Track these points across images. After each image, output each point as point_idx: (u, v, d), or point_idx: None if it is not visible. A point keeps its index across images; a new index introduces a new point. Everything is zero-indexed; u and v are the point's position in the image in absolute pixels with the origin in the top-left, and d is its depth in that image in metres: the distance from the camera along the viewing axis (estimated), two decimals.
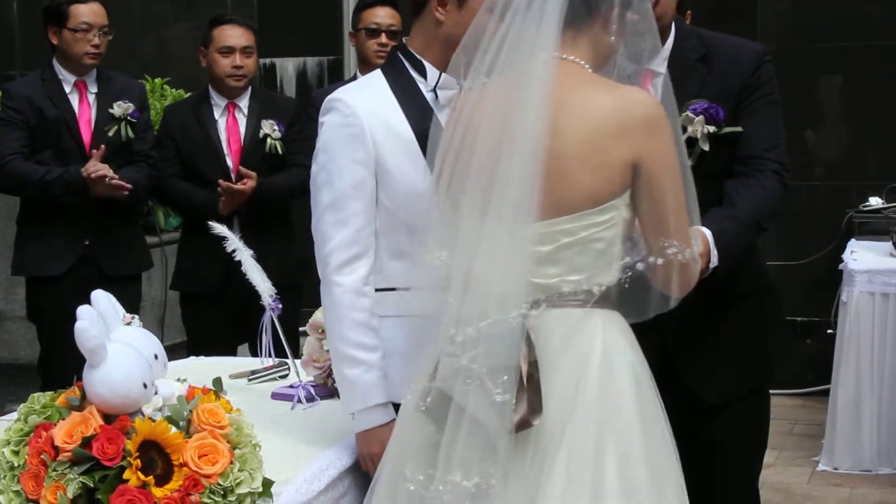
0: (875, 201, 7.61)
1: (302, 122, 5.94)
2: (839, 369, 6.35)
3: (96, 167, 5.60)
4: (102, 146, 5.68)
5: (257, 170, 5.81)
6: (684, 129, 3.39)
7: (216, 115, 5.96)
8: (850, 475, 6.33)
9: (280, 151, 5.90)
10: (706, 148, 3.44)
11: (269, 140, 5.91)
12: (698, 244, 2.94)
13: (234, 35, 5.92)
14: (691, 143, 3.41)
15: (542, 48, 2.77)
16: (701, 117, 3.44)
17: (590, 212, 2.76)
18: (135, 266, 6.02)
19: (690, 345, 3.53)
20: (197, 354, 4.81)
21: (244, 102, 5.96)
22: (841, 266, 6.59)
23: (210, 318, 5.89)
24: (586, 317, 2.80)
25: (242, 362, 4.44)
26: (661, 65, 3.47)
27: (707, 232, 3.24)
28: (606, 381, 2.76)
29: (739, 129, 3.48)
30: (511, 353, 2.70)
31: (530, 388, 2.70)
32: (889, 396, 6.28)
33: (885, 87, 7.94)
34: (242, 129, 5.94)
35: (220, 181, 5.72)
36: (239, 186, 5.74)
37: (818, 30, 8.04)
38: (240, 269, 3.87)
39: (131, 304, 5.79)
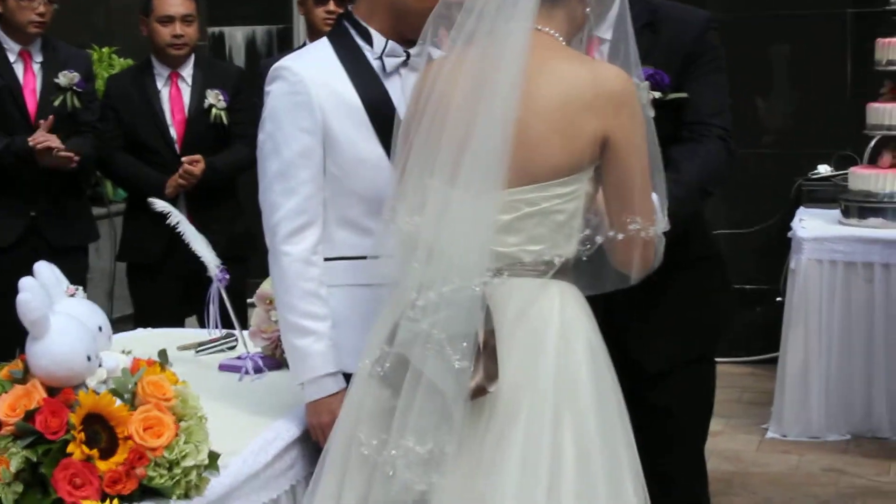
0: (823, 169, 7.65)
1: (246, 92, 5.91)
2: (787, 337, 6.39)
3: (44, 137, 5.54)
4: (52, 116, 5.62)
5: (202, 140, 5.79)
6: None
7: (159, 84, 5.91)
8: (799, 442, 6.38)
9: (225, 121, 5.86)
10: (652, 114, 3.38)
11: (213, 110, 5.87)
12: (662, 223, 2.94)
13: (173, 4, 5.86)
14: None
15: (518, 19, 2.77)
16: (646, 83, 3.39)
17: (554, 182, 2.78)
18: (82, 237, 5.98)
19: (634, 311, 3.50)
20: (144, 326, 4.79)
21: (187, 72, 5.92)
22: (790, 234, 6.62)
23: (156, 290, 5.87)
24: (544, 287, 2.82)
25: (190, 334, 4.42)
26: (606, 31, 3.43)
27: (653, 196, 3.14)
28: (563, 353, 2.78)
29: (685, 94, 3.47)
30: (472, 321, 2.70)
31: (486, 355, 2.70)
32: (837, 363, 6.33)
33: (833, 55, 7.96)
34: (186, 99, 5.90)
35: (182, 169, 5.71)
36: (189, 168, 5.71)
37: None
38: (185, 240, 3.85)
39: (78, 275, 5.77)
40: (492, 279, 2.76)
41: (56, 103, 5.72)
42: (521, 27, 2.77)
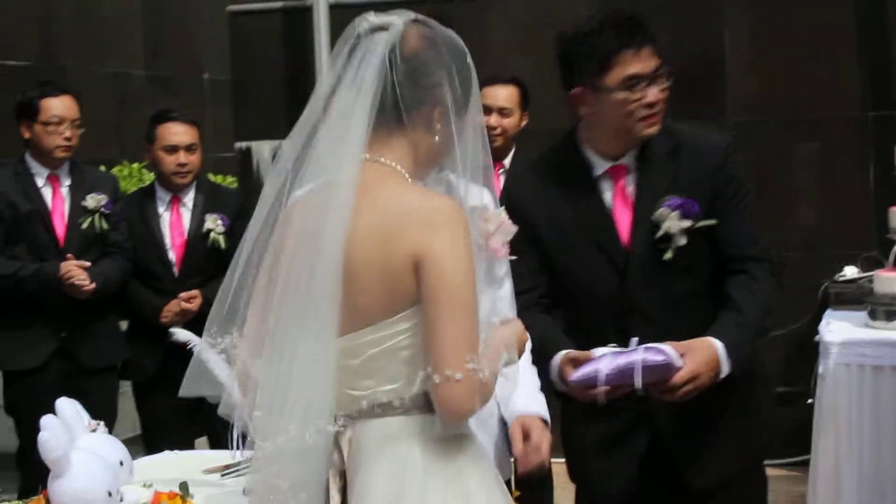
0: (850, 271, 7.64)
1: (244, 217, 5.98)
2: (818, 441, 6.35)
3: (72, 271, 5.63)
4: (69, 256, 5.72)
5: (201, 264, 5.89)
6: (659, 226, 3.59)
7: (160, 209, 6.07)
8: None
9: (223, 246, 5.92)
10: (683, 242, 3.55)
11: (211, 234, 5.95)
12: (497, 363, 2.70)
13: (177, 133, 6.00)
14: (667, 238, 3.57)
15: (350, 152, 2.66)
16: (676, 212, 3.56)
17: (391, 321, 2.65)
18: (111, 357, 6.05)
19: (683, 432, 3.67)
20: (151, 444, 4.82)
21: (189, 196, 6.05)
22: (817, 338, 6.61)
23: (161, 409, 5.91)
24: (405, 424, 2.70)
25: (215, 456, 4.43)
26: (632, 159, 3.70)
27: (719, 344, 3.45)
28: (429, 489, 2.66)
29: (713, 221, 3.63)
30: (317, 468, 2.64)
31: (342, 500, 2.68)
32: (868, 466, 6.27)
33: (856, 156, 8.01)
34: (186, 224, 6.01)
35: (175, 302, 5.79)
36: (186, 306, 5.79)
37: (788, 101, 8.11)
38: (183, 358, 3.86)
39: (109, 394, 5.86)
40: (352, 422, 2.69)
41: (84, 226, 5.82)
42: (350, 160, 2.66)
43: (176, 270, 5.96)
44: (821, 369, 6.39)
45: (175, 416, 5.83)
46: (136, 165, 8.01)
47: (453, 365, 2.57)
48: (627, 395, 3.42)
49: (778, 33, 8.19)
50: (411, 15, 2.76)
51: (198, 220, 6.02)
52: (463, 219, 2.65)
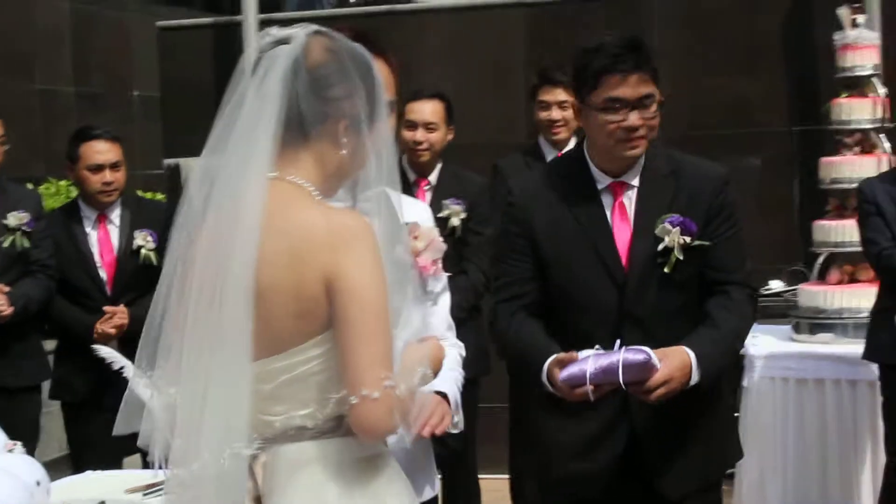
0: (776, 284, 7.73)
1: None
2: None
3: None
4: None
5: (132, 280, 5.85)
6: (658, 240, 3.80)
7: (87, 227, 6.00)
8: None
9: (154, 262, 5.88)
10: (681, 257, 3.77)
11: (142, 251, 5.93)
12: (412, 379, 2.69)
13: (101, 151, 5.91)
14: (667, 252, 3.79)
15: (255, 171, 2.62)
16: (677, 228, 3.78)
17: (303, 347, 2.62)
18: (33, 376, 5.95)
19: (656, 447, 3.88)
20: (79, 465, 4.77)
21: (115, 213, 5.99)
22: (742, 351, 6.67)
23: (90, 429, 5.82)
24: (318, 449, 2.66)
25: (137, 475, 4.41)
26: (633, 177, 3.87)
27: (692, 354, 3.67)
28: None
29: (708, 242, 3.82)
30: (230, 493, 2.61)
31: None
32: (792, 480, 6.34)
33: (781, 170, 8.10)
34: (115, 241, 5.97)
35: (99, 325, 5.77)
36: (112, 323, 5.77)
37: (715, 114, 8.20)
38: (115, 376, 3.84)
39: (32, 414, 5.79)
40: (267, 446, 2.66)
41: (6, 245, 5.74)
42: (255, 179, 2.61)
43: (108, 289, 5.91)
44: (745, 382, 6.45)
45: (105, 435, 5.78)
46: (62, 183, 7.97)
47: (369, 384, 2.55)
48: (613, 391, 3.60)
49: (704, 45, 8.28)
50: (313, 27, 2.74)
51: (126, 236, 5.96)
52: (370, 234, 2.61)
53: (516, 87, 8.29)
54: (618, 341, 3.65)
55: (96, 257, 5.93)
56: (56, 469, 4.30)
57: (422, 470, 3.46)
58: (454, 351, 3.47)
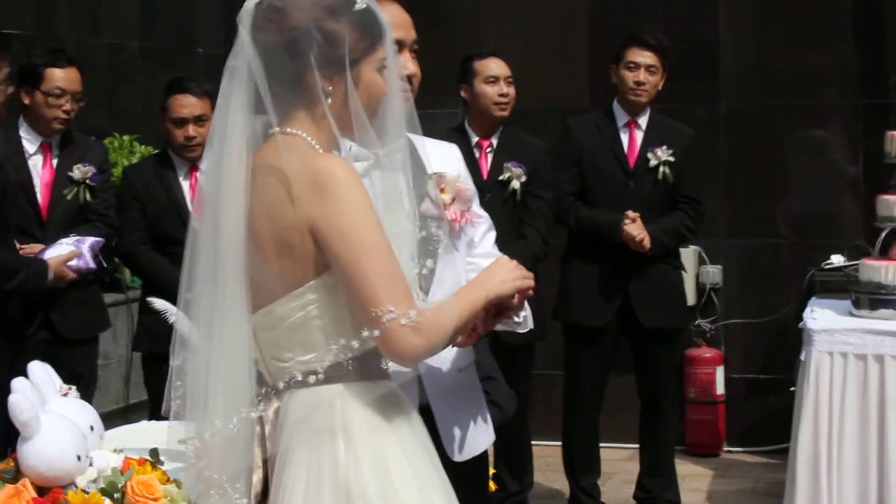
0: (837, 259, 7.66)
1: None
2: (798, 429, 6.36)
3: (60, 277, 5.55)
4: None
5: None
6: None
7: (180, 177, 5.95)
8: None
9: None
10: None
11: None
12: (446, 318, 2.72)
13: (186, 105, 5.89)
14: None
15: (240, 126, 2.71)
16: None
17: (298, 292, 2.68)
18: (92, 328, 6.00)
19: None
20: (159, 415, 4.80)
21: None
22: (801, 325, 6.62)
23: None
24: (325, 394, 2.71)
25: None
26: None
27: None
28: (352, 461, 2.67)
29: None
30: (243, 456, 2.68)
31: (264, 487, 2.71)
32: (848, 456, 6.28)
33: (848, 144, 8.02)
34: None
35: None
36: None
37: (782, 86, 8.12)
38: None
39: (89, 365, 5.81)
40: (278, 394, 2.73)
41: (69, 197, 5.76)
42: (240, 134, 2.71)
43: None
44: (803, 357, 6.39)
45: None
46: (127, 137, 8.00)
47: (400, 304, 2.60)
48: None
49: (774, 17, 8.19)
50: None
51: None
52: (349, 174, 2.64)
53: (580, 50, 8.29)
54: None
55: (190, 207, 5.89)
56: (112, 422, 4.33)
57: (472, 418, 3.39)
58: None
